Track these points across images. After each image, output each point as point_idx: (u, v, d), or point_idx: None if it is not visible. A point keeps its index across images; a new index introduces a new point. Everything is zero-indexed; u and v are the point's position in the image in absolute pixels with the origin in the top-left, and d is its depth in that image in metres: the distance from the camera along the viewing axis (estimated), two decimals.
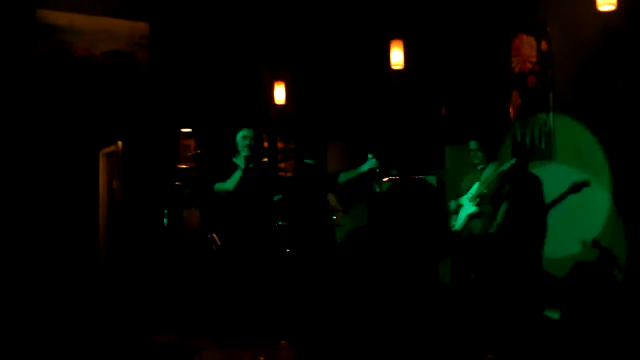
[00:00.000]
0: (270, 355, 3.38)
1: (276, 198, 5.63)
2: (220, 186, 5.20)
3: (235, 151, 5.26)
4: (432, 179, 6.60)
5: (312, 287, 5.26)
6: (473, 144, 5.71)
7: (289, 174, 8.36)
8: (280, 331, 4.98)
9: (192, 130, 7.62)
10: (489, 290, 5.39)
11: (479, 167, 5.73)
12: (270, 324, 4.97)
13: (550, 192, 5.84)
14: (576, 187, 5.54)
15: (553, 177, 5.82)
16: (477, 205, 5.57)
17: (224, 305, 5.31)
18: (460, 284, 5.66)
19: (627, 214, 5.16)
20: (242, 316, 5.02)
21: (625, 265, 5.05)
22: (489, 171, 5.64)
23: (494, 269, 5.44)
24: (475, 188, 5.62)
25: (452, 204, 5.81)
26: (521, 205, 5.83)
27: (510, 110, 6.29)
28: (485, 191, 5.55)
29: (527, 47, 6.14)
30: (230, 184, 5.13)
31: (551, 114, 5.87)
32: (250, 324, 4.94)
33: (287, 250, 5.88)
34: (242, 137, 5.21)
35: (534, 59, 6.08)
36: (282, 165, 8.41)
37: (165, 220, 6.80)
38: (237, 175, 5.10)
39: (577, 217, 5.55)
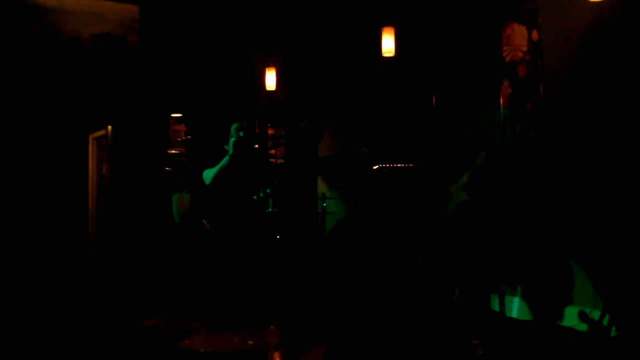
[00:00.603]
0: (259, 339, 3.38)
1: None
2: (207, 172, 5.22)
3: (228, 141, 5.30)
4: (422, 167, 6.63)
5: (300, 272, 5.28)
6: (463, 134, 5.71)
7: (279, 161, 8.36)
8: (269, 315, 5.01)
9: (183, 115, 7.60)
10: (476, 276, 5.43)
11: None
12: (259, 308, 4.99)
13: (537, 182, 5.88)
14: (549, 183, 5.64)
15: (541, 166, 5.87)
16: (469, 193, 5.55)
17: (213, 289, 5.32)
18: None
19: (617, 202, 5.21)
20: (231, 300, 5.04)
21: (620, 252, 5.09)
22: (480, 160, 5.64)
23: (482, 255, 5.47)
24: (466, 176, 5.60)
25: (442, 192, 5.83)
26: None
27: (501, 99, 6.31)
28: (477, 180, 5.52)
29: (518, 36, 6.15)
30: (217, 169, 5.14)
31: (541, 104, 5.90)
32: (239, 308, 4.96)
33: (277, 237, 5.88)
34: (235, 129, 5.25)
35: (524, 48, 6.09)
36: (272, 152, 8.41)
37: (154, 205, 6.80)
38: (224, 161, 5.12)
39: (567, 206, 5.60)
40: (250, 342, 3.43)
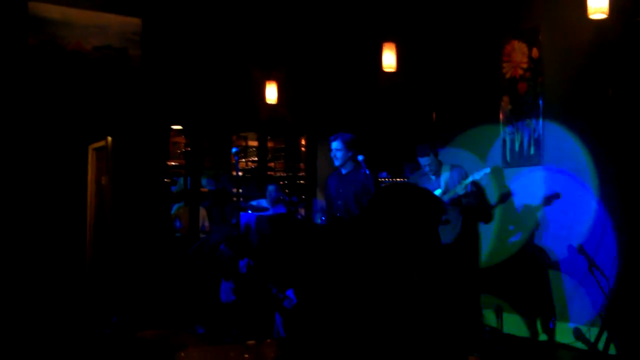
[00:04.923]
0: (255, 353, 3.37)
1: None
2: None
3: None
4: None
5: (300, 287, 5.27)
6: (425, 160, 5.65)
7: (279, 174, 8.37)
8: (266, 329, 4.99)
9: (183, 127, 7.60)
10: (454, 293, 5.39)
11: (432, 175, 5.74)
12: (255, 322, 4.97)
13: (537, 198, 5.89)
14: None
15: (540, 183, 5.88)
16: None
17: (209, 302, 5.30)
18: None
19: (615, 220, 5.21)
20: (227, 313, 5.03)
21: (618, 270, 5.08)
22: (447, 177, 5.62)
23: (457, 274, 5.44)
24: (438, 193, 5.53)
25: None
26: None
27: (501, 115, 6.32)
28: (456, 197, 5.48)
29: (519, 54, 6.17)
30: None
31: (541, 121, 5.92)
32: (235, 321, 4.95)
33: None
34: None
35: (525, 65, 6.11)
36: (272, 164, 8.41)
37: (153, 216, 6.79)
38: None
39: (565, 222, 5.60)
40: (247, 356, 3.41)
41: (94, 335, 5.70)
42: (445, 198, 5.46)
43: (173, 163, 7.89)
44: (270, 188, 6.85)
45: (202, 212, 7.50)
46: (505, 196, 6.15)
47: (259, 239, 5.66)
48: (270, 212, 6.47)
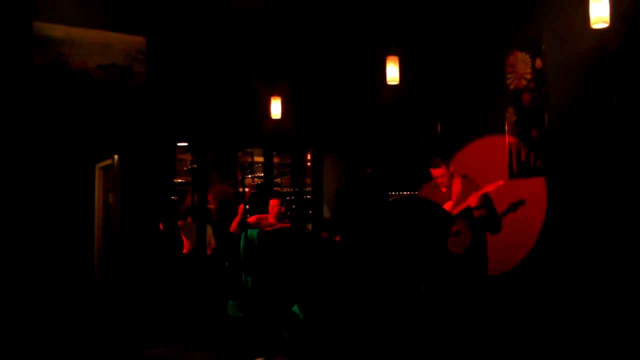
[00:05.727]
0: None
1: None
2: None
3: None
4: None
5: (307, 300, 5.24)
6: (438, 172, 5.63)
7: (285, 189, 8.37)
8: (275, 345, 4.96)
9: (189, 144, 7.62)
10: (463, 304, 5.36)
11: (443, 187, 5.71)
12: (264, 338, 4.94)
13: (543, 208, 5.87)
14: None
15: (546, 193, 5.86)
16: (455, 224, 5.45)
17: (217, 319, 5.28)
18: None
19: (622, 228, 5.18)
20: (235, 330, 5.01)
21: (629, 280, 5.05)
22: (457, 189, 5.59)
23: (465, 286, 5.40)
24: (449, 206, 5.51)
25: None
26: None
27: (506, 126, 6.32)
28: (467, 209, 5.48)
29: (522, 64, 6.18)
30: None
31: (546, 131, 5.91)
32: (244, 338, 4.92)
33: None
34: None
35: (528, 76, 6.12)
36: (278, 180, 8.42)
37: (160, 234, 6.79)
38: None
39: (572, 232, 5.57)
40: None
41: (103, 353, 5.68)
42: (456, 210, 5.45)
43: (179, 180, 7.90)
44: (275, 203, 6.85)
45: (209, 229, 7.50)
46: (512, 206, 6.14)
47: (264, 254, 5.64)
48: (275, 227, 6.47)
